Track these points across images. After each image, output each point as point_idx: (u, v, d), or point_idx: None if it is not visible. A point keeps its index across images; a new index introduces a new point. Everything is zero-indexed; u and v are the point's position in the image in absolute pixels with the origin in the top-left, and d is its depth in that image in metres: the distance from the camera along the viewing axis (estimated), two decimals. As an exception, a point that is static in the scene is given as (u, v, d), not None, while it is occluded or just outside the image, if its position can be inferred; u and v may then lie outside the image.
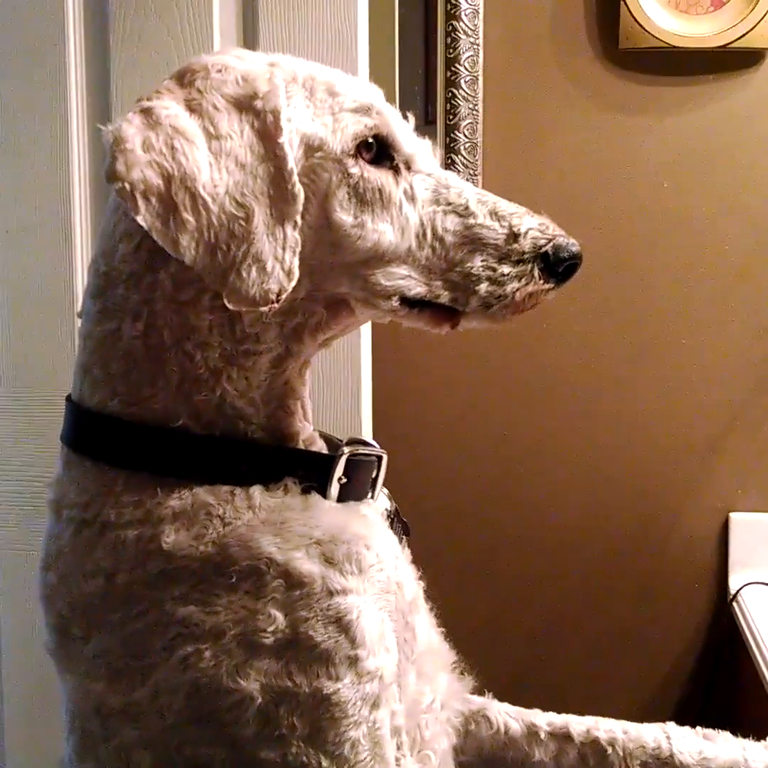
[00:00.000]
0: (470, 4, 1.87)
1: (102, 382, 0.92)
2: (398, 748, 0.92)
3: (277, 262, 0.84)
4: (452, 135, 1.92)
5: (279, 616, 0.86)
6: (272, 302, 0.85)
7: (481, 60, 1.90)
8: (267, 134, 0.86)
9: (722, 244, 1.91)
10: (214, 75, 0.88)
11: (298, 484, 0.93)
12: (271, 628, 0.86)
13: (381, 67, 1.89)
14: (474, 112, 1.91)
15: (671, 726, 1.14)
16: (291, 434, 0.97)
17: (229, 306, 0.85)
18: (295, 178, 0.86)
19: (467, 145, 1.91)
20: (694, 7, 1.83)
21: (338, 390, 1.51)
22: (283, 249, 0.85)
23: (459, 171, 1.91)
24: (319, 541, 0.90)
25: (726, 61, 1.85)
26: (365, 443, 1.02)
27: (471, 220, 0.95)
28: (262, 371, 0.93)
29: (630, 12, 1.81)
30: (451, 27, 1.88)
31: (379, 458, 1.02)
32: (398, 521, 1.07)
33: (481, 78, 1.90)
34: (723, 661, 1.94)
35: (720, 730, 1.14)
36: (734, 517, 1.94)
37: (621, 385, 1.96)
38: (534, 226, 0.97)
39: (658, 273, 1.93)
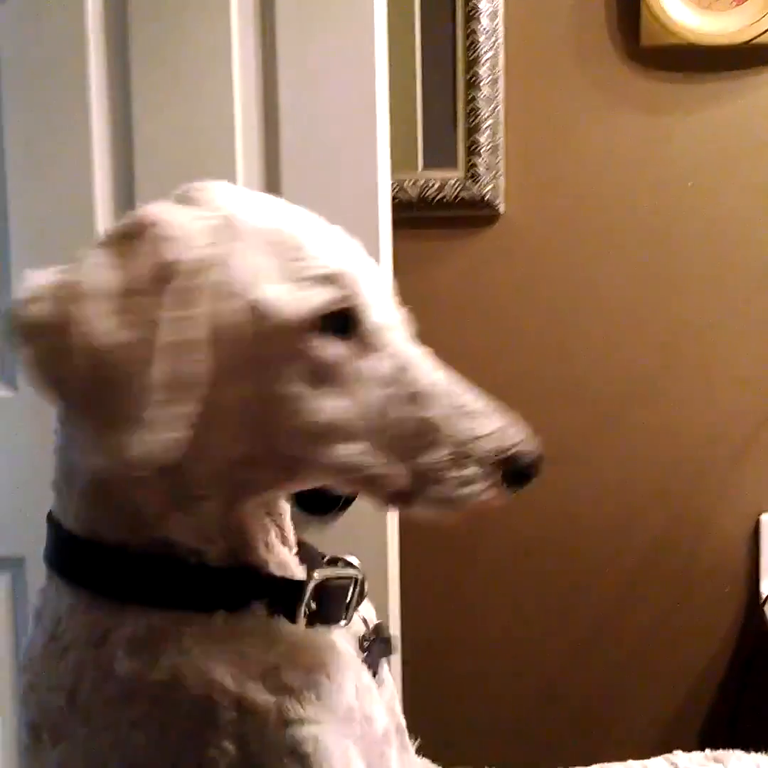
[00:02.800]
0: (490, 5, 1.86)
1: (68, 502, 0.92)
2: None
3: (167, 428, 0.82)
4: (474, 137, 1.90)
5: (231, 748, 0.83)
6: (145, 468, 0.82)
7: (501, 61, 1.89)
8: (187, 302, 0.81)
9: (749, 244, 1.88)
10: (155, 235, 0.83)
11: (264, 609, 0.90)
12: (224, 762, 0.83)
13: (402, 71, 1.88)
14: (495, 114, 1.90)
15: (678, 755, 1.12)
16: (256, 565, 0.93)
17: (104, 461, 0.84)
18: (206, 351, 0.82)
19: (489, 147, 1.90)
20: (716, 3, 1.80)
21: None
22: (175, 419, 0.81)
23: (480, 174, 1.90)
24: (276, 667, 0.86)
25: (749, 56, 1.82)
26: (347, 563, 1.00)
27: (431, 412, 0.88)
28: (213, 514, 0.89)
29: (650, 9, 1.79)
30: (470, 29, 1.87)
31: (356, 581, 0.98)
32: (380, 641, 1.01)
33: (502, 79, 1.89)
34: (755, 664, 1.91)
35: (732, 750, 1.12)
36: (765, 518, 1.91)
37: (650, 388, 1.94)
38: (497, 428, 0.89)
39: (685, 274, 1.91)
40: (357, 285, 0.88)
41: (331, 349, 0.86)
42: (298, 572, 0.96)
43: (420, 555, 1.90)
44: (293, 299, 0.84)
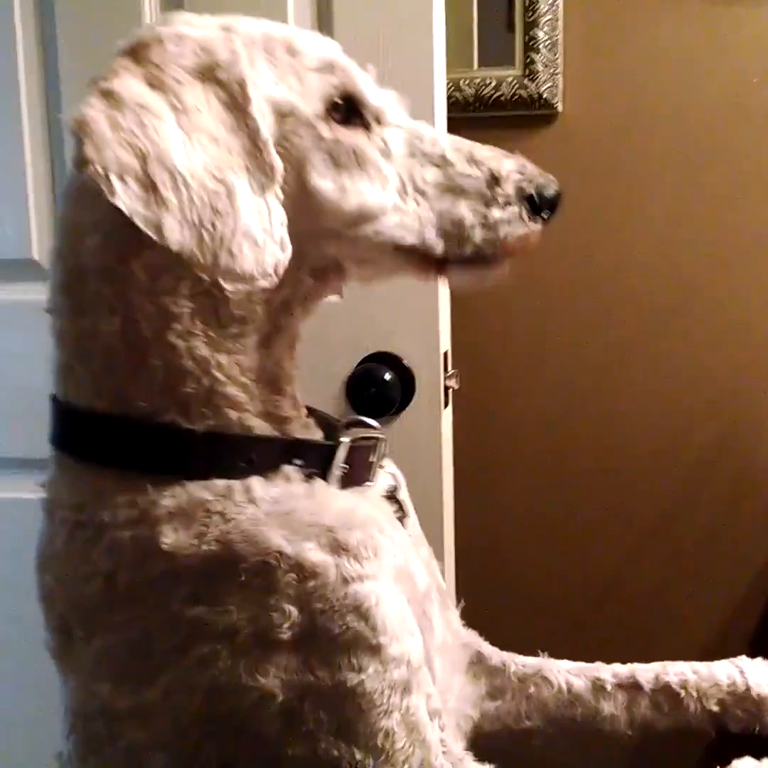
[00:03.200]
0: None
1: (85, 380, 0.90)
2: (442, 730, 0.89)
3: (267, 234, 0.82)
4: (531, 33, 1.85)
5: (294, 610, 0.84)
6: (270, 276, 0.82)
7: (561, -47, 1.82)
8: (236, 105, 0.83)
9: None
10: (169, 47, 0.83)
11: (298, 472, 0.91)
12: (287, 624, 0.83)
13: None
14: (554, 8, 1.84)
15: (744, 660, 1.12)
16: (286, 418, 0.94)
17: (227, 287, 0.83)
18: (271, 148, 0.83)
19: (547, 43, 1.84)
20: None
21: (415, 294, 1.49)
22: (270, 221, 0.82)
23: (538, 72, 1.85)
24: (329, 528, 0.87)
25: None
26: (364, 424, 1.01)
27: (450, 169, 0.93)
28: (252, 353, 0.90)
29: None
30: None
31: (377, 441, 0.99)
32: (397, 502, 1.03)
33: (561, -28, 1.83)
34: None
35: None
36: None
37: (706, 295, 1.90)
38: (513, 169, 0.94)
39: (750, 181, 1.85)
40: (350, 71, 0.92)
41: (347, 133, 0.90)
42: (318, 435, 0.98)
43: (475, 456, 1.91)
44: (303, 92, 0.88)
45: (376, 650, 0.85)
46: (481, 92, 1.88)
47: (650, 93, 1.85)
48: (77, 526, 0.89)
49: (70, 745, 0.93)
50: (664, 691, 1.12)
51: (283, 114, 0.87)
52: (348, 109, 0.91)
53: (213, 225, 0.79)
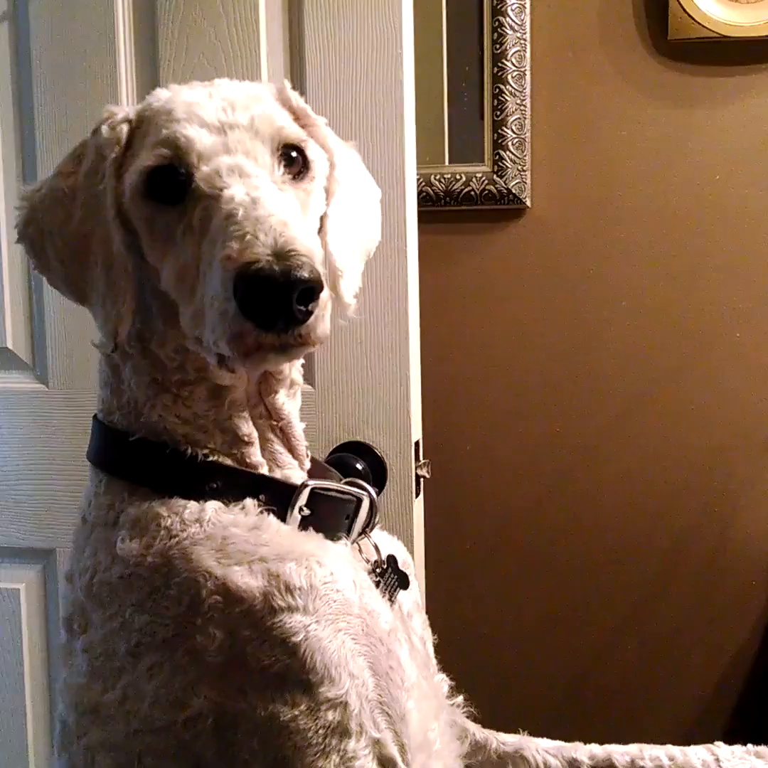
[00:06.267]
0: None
1: (100, 396, 1.01)
2: None
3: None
4: (500, 131, 1.90)
5: (219, 634, 0.83)
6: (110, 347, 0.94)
7: (528, 55, 1.88)
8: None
9: (777, 237, 1.87)
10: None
11: (257, 507, 0.93)
12: (213, 647, 0.83)
13: (429, 65, 1.88)
14: (522, 108, 1.89)
15: (720, 747, 1.11)
16: (251, 465, 0.96)
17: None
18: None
19: (515, 141, 1.90)
20: (744, -4, 1.80)
21: (387, 386, 1.50)
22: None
23: (507, 168, 1.90)
24: (263, 557, 0.87)
25: (778, 49, 1.81)
26: (361, 486, 1.01)
27: (213, 256, 0.87)
28: (202, 401, 0.95)
29: (678, 2, 1.78)
30: (497, 22, 1.87)
31: (359, 500, 1.00)
32: (394, 572, 1.02)
33: (528, 73, 1.89)
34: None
35: None
36: (792, 513, 1.91)
37: (676, 380, 1.93)
38: (234, 252, 0.84)
39: (711, 267, 1.90)
40: (193, 145, 0.88)
41: (159, 211, 0.90)
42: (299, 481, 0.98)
43: (447, 544, 1.91)
44: (134, 168, 0.91)
45: (307, 688, 0.82)
46: (452, 187, 1.92)
47: (615, 189, 1.91)
48: (83, 521, 0.97)
49: (54, 737, 0.96)
50: None
51: (125, 189, 0.95)
52: (178, 186, 0.94)
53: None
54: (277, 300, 0.78)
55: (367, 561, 1.00)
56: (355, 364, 1.49)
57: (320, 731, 0.82)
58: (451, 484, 1.95)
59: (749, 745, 1.10)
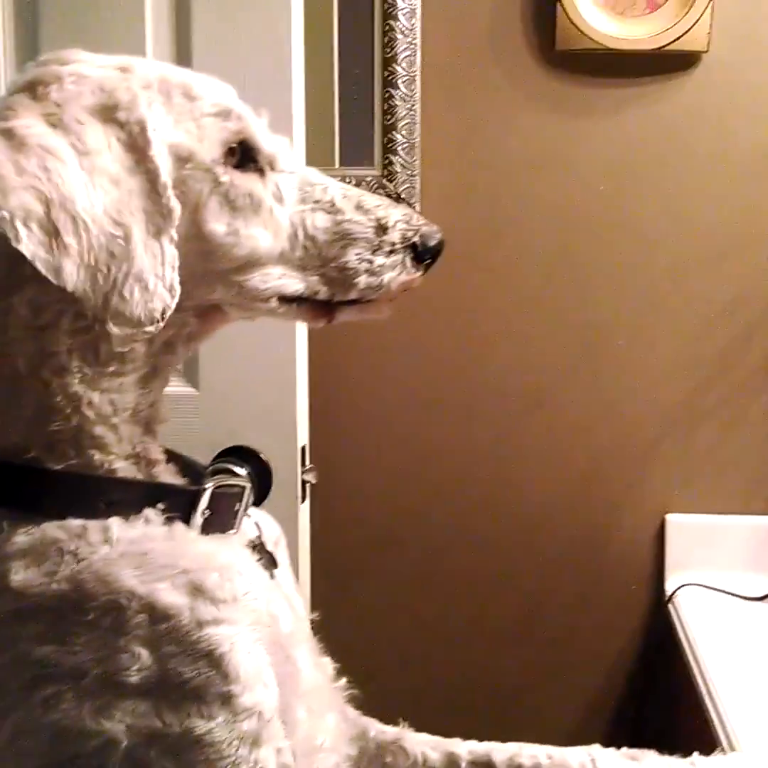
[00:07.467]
0: (407, 4, 1.86)
1: None
2: None
3: (158, 279, 0.83)
4: (390, 135, 1.90)
5: (144, 652, 0.82)
6: (157, 321, 0.83)
7: (418, 60, 1.88)
8: (135, 147, 0.83)
9: (658, 248, 1.92)
10: (68, 86, 0.83)
11: (160, 516, 0.90)
12: (135, 667, 0.82)
13: (320, 69, 1.87)
14: (412, 112, 1.90)
15: (596, 749, 1.12)
16: (155, 460, 0.95)
17: (114, 330, 0.82)
18: (170, 191, 0.84)
19: (405, 146, 1.90)
20: (630, 10, 1.83)
21: (273, 389, 1.48)
22: (163, 265, 0.83)
23: (397, 173, 1.90)
24: (185, 570, 0.86)
25: (662, 63, 1.86)
26: (230, 471, 1.01)
27: (339, 216, 0.96)
28: (129, 393, 0.91)
29: (566, 13, 1.81)
30: (387, 26, 1.87)
31: (244, 488, 1.00)
32: (263, 551, 1.02)
33: (418, 78, 1.89)
34: (660, 662, 1.95)
35: (646, 750, 1.13)
36: (671, 518, 1.95)
37: (561, 388, 1.96)
38: (400, 218, 0.98)
39: (595, 276, 1.93)
40: (245, 118, 0.93)
41: (243, 178, 0.91)
42: (180, 481, 0.98)
43: (334, 550, 1.89)
44: (201, 137, 0.89)
45: (227, 699, 0.83)
46: (341, 190, 1.91)
47: (504, 196, 1.92)
48: None
49: None
50: None
51: (181, 158, 0.88)
52: (243, 155, 0.92)
53: (108, 268, 0.80)
54: None
55: (249, 541, 1.00)
56: (240, 367, 1.47)
57: (234, 743, 0.83)
58: (339, 489, 1.94)
59: (624, 749, 1.12)
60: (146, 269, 0.82)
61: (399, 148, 1.90)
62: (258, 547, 1.01)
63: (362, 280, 0.95)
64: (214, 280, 0.92)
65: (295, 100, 1.45)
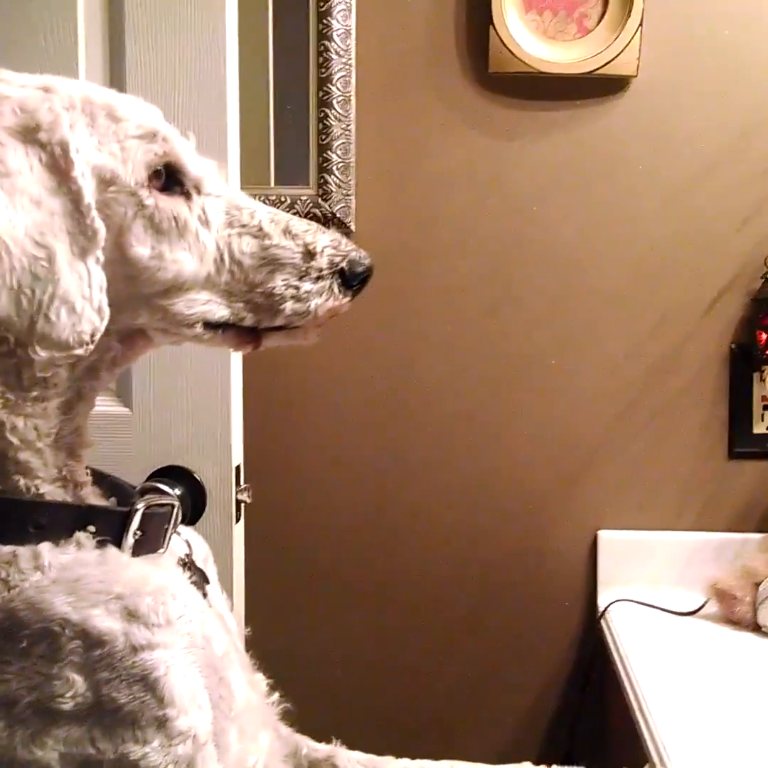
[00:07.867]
0: (342, 25, 1.87)
1: None
2: None
3: (86, 300, 0.81)
4: (325, 155, 1.91)
5: (78, 679, 0.81)
6: (87, 344, 0.82)
7: (353, 80, 1.90)
8: (58, 168, 0.82)
9: (591, 268, 1.95)
10: None
11: (92, 539, 0.89)
12: (69, 693, 0.81)
13: (254, 88, 1.88)
14: (347, 133, 1.91)
15: (527, 766, 1.14)
16: (81, 483, 0.93)
17: (42, 354, 0.81)
18: (94, 212, 0.83)
19: (340, 165, 1.91)
20: (561, 34, 1.86)
21: (207, 408, 1.48)
22: (90, 286, 0.82)
23: (332, 192, 1.91)
24: (119, 595, 0.85)
25: (592, 87, 1.89)
26: (158, 490, 0.99)
27: (267, 241, 0.95)
28: (52, 418, 0.89)
29: (499, 37, 1.84)
30: (322, 46, 1.88)
31: (173, 507, 0.99)
32: (194, 569, 1.02)
33: (353, 98, 1.90)
34: (592, 677, 1.96)
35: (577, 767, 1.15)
36: (603, 534, 1.97)
37: (493, 406, 1.98)
38: (328, 243, 0.97)
39: (527, 296, 1.95)
40: (171, 140, 0.92)
41: (168, 201, 0.90)
42: (106, 502, 0.97)
43: (269, 570, 1.88)
44: (126, 159, 0.88)
45: (162, 723, 0.82)
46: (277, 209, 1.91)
47: (438, 215, 1.94)
48: None
49: None
50: None
51: (105, 180, 0.86)
52: (169, 178, 0.91)
53: (31, 290, 0.79)
54: None
55: (180, 559, 0.99)
56: (174, 387, 1.46)
57: (169, 767, 0.82)
58: (274, 509, 1.93)
59: (555, 767, 1.14)
60: (72, 291, 0.80)
61: (334, 168, 1.91)
62: (189, 564, 1.00)
63: (288, 306, 0.94)
64: (138, 305, 0.90)
65: (229, 119, 1.45)
